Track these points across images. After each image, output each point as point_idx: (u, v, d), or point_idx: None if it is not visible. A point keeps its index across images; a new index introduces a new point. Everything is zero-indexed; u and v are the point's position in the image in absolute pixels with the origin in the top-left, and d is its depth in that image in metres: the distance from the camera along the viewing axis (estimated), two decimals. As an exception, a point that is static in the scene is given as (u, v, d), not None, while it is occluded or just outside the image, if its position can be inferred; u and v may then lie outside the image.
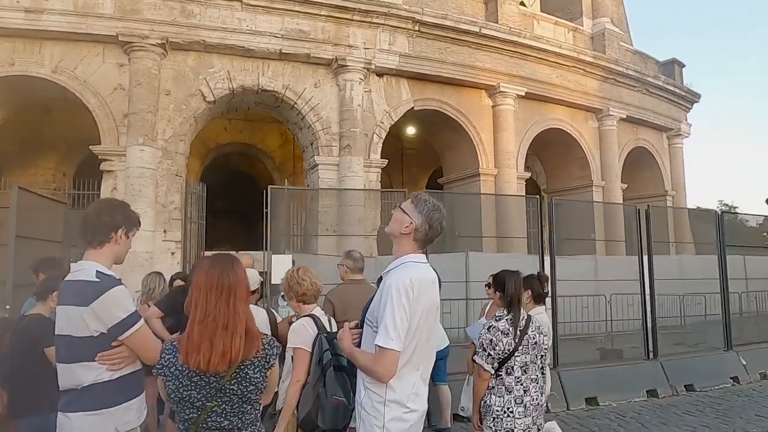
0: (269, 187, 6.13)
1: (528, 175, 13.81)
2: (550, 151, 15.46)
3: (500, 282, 2.66)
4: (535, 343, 2.53)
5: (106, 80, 9.71)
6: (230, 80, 10.47)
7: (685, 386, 5.81)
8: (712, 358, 6.30)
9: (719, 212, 7.32)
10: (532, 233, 13.54)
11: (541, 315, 3.12)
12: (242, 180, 17.27)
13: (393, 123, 12.05)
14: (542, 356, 2.58)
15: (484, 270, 7.17)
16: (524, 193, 13.75)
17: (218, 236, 13.55)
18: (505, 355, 2.46)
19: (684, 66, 17.30)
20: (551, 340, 5.27)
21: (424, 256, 1.98)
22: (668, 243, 13.10)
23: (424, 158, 17.09)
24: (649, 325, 5.73)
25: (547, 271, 5.53)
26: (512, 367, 2.47)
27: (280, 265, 4.21)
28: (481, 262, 7.51)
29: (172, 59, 10.10)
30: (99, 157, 9.59)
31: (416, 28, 11.74)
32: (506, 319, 2.55)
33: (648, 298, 5.69)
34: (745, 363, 6.23)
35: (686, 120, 17.46)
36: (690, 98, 17.27)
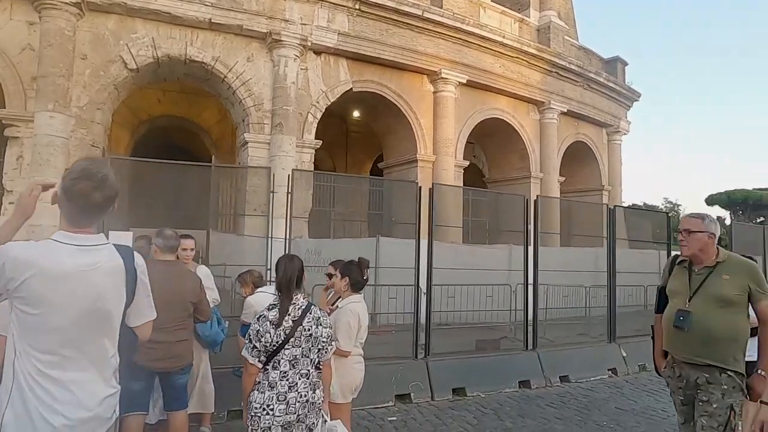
0: (108, 158, 5.87)
1: (467, 163, 13.86)
2: (492, 141, 15.59)
3: (276, 267, 2.54)
4: (310, 335, 2.43)
5: (13, 39, 9.04)
6: (155, 48, 9.96)
7: (560, 377, 5.86)
8: (593, 349, 6.46)
9: (610, 207, 7.50)
10: (470, 222, 13.77)
11: (356, 303, 3.03)
12: (181, 156, 16.64)
13: (330, 103, 11.80)
14: (319, 349, 2.48)
15: (395, 256, 7.16)
16: (462, 182, 13.84)
17: (157, 213, 13.04)
18: (274, 348, 2.33)
19: (627, 64, 17.67)
20: (425, 330, 5.30)
21: (75, 234, 1.64)
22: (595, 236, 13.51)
23: (369, 142, 16.92)
24: (530, 316, 5.83)
25: (446, 258, 5.54)
26: (279, 361, 2.34)
27: (119, 243, 3.98)
28: (391, 247, 7.49)
29: (89, 21, 9.51)
30: (3, 121, 9.00)
31: (357, 6, 11.46)
32: (278, 309, 2.43)
33: (531, 288, 5.79)
34: (625, 355, 6.45)
35: (626, 117, 17.91)
36: (630, 96, 17.69)
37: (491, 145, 15.89)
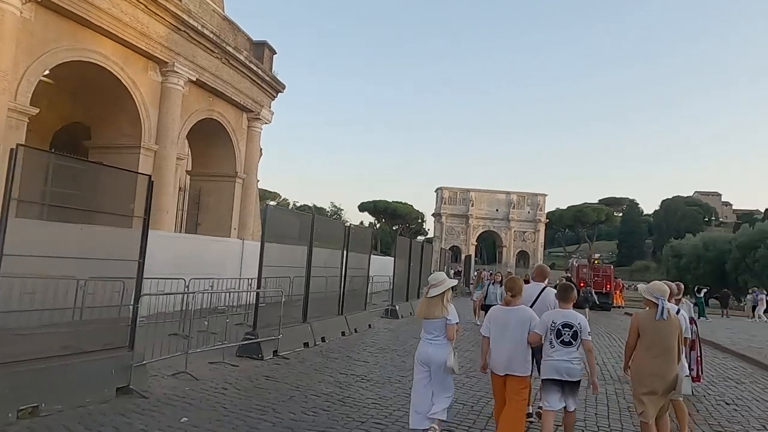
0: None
1: (35, 111, 10.26)
2: (93, 96, 12.41)
3: None
4: None
5: None
6: None
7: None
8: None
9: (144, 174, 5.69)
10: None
11: None
12: None
13: None
14: None
15: None
16: (24, 136, 10.21)
17: None
18: None
19: (275, 53, 17.22)
20: None
21: None
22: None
23: None
24: None
25: None
26: None
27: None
28: None
29: None
30: None
31: None
32: None
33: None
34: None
35: (269, 107, 17.44)
36: (275, 86, 17.28)
37: (92, 101, 12.65)
